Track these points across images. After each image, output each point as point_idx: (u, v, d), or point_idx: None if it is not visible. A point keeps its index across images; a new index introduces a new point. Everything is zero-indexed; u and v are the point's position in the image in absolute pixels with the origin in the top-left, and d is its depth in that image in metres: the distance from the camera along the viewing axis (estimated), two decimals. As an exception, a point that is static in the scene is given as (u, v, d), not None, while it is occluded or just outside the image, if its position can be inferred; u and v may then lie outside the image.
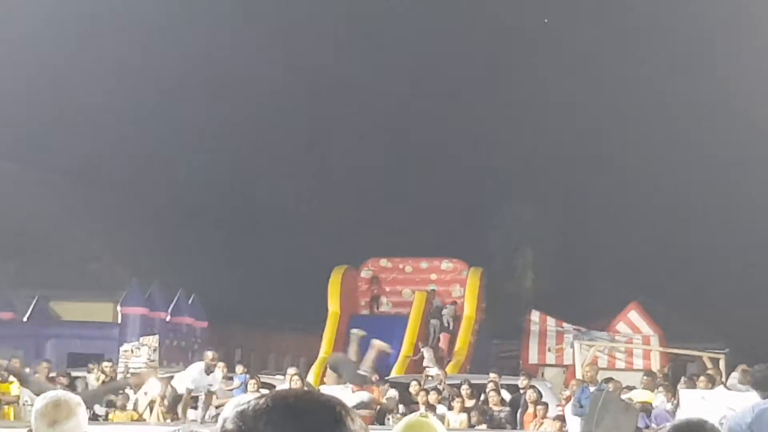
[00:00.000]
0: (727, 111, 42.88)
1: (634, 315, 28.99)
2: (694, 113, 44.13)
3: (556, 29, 46.98)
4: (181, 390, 17.78)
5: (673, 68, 45.58)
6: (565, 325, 29.27)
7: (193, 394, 17.88)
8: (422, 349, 26.92)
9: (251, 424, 1.87)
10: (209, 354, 18.29)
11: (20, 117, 39.11)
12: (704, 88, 43.62)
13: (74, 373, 20.62)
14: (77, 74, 41.87)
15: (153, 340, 19.65)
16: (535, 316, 29.76)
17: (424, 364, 26.34)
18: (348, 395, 17.20)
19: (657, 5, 45.98)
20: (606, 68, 46.20)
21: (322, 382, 19.20)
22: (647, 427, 16.21)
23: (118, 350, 22.14)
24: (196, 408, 18.09)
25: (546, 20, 46.61)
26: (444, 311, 28.99)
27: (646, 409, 16.72)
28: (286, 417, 1.86)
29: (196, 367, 18.14)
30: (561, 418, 18.00)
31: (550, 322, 29.45)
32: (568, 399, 18.38)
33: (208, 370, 17.83)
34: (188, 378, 17.85)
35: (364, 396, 18.22)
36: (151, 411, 17.87)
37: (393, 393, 19.59)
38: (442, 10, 47.80)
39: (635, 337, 28.44)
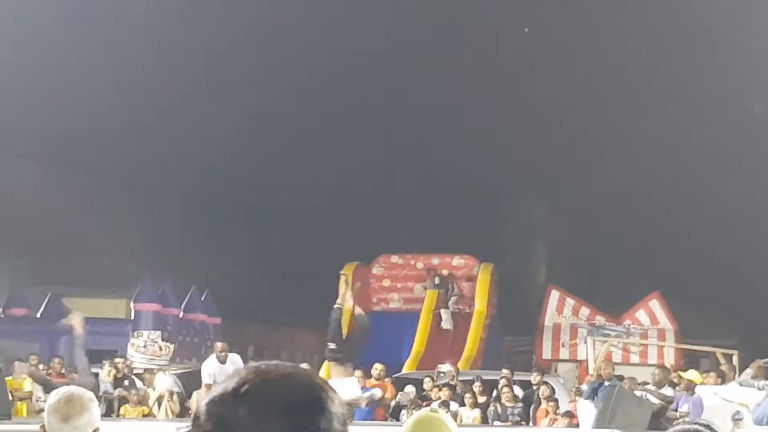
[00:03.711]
0: (745, 107, 42.77)
1: (655, 304, 29.05)
2: (713, 110, 44.01)
3: (569, 23, 46.83)
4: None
5: (690, 60, 45.42)
6: (582, 310, 29.32)
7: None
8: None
9: (230, 413, 1.75)
10: (218, 345, 18.12)
11: (33, 114, 39.20)
12: (726, 81, 43.52)
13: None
14: (90, 72, 41.94)
15: (155, 335, 19.72)
16: (554, 296, 29.81)
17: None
18: (357, 391, 17.13)
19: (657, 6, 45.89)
20: (622, 62, 46.06)
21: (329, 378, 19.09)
22: (676, 409, 16.19)
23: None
24: None
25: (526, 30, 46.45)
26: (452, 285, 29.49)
27: (690, 387, 16.67)
28: (268, 403, 1.74)
29: (209, 361, 17.95)
30: (571, 414, 17.98)
31: (569, 302, 29.52)
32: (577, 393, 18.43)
33: (221, 361, 17.60)
34: (204, 373, 17.64)
35: (376, 393, 18.17)
36: (159, 406, 17.90)
37: (410, 389, 19.61)
38: (448, 4, 47.77)
39: (652, 328, 28.49)
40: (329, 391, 1.81)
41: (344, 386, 16.34)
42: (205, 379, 17.39)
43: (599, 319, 29.37)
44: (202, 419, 1.78)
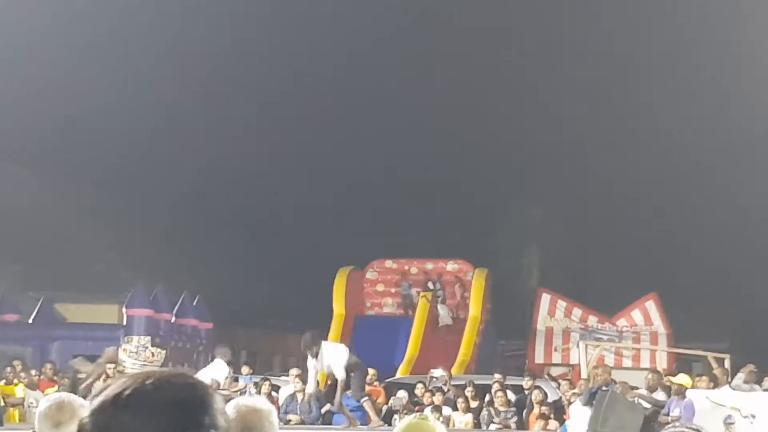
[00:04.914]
0: (738, 112, 42.81)
1: (651, 305, 29.03)
2: (704, 114, 44.04)
3: (562, 28, 46.91)
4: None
5: (684, 60, 45.48)
6: (574, 311, 29.30)
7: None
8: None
9: (113, 420, 1.78)
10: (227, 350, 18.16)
11: (25, 119, 39.14)
12: (719, 83, 43.55)
13: (80, 375, 20.59)
14: (82, 76, 41.89)
15: (145, 340, 19.71)
16: (545, 299, 29.79)
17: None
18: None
19: (659, 4, 45.91)
20: (612, 64, 46.13)
21: (326, 383, 18.96)
22: (668, 414, 16.17)
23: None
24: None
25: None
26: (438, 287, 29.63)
27: (681, 392, 16.63)
28: (152, 406, 1.78)
29: (219, 364, 17.99)
30: (563, 419, 17.98)
31: (561, 304, 29.50)
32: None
33: (228, 364, 17.80)
34: (216, 373, 17.65)
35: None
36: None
37: (402, 394, 19.59)
38: (444, 7, 47.80)
39: (645, 329, 28.49)
40: (210, 390, 1.86)
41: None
42: (218, 377, 17.47)
43: (592, 320, 29.34)
44: (85, 420, 1.81)
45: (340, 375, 16.46)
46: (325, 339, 19.99)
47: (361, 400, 16.91)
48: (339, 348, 17.54)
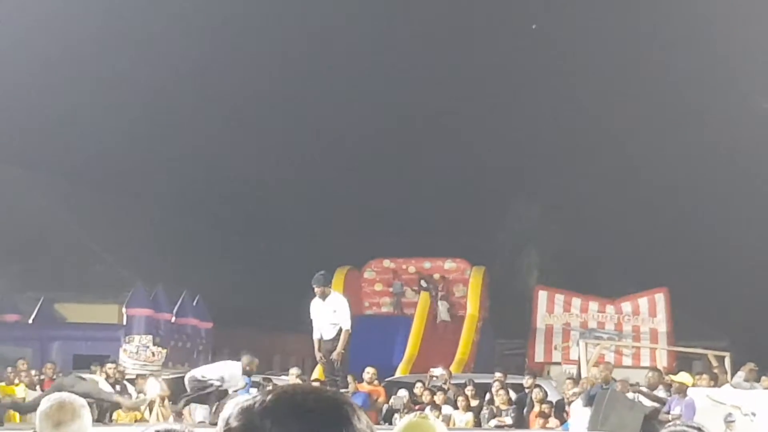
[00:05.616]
0: (744, 112, 42.82)
1: (660, 298, 28.99)
2: (707, 114, 44.02)
3: (559, 28, 46.91)
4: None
5: (680, 60, 45.46)
6: (573, 302, 29.27)
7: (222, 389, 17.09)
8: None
9: (258, 423, 1.83)
10: (252, 359, 17.45)
11: (23, 120, 39.13)
12: (717, 82, 43.54)
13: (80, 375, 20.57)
14: (78, 76, 41.88)
15: (147, 339, 19.72)
16: (542, 296, 29.79)
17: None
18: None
19: (659, 4, 45.92)
20: (610, 63, 46.12)
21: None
22: (668, 412, 16.16)
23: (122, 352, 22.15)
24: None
25: (534, 26, 46.65)
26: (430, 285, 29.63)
27: (682, 390, 16.61)
28: (294, 415, 1.83)
29: (235, 366, 17.37)
30: (564, 417, 17.99)
31: (558, 299, 29.48)
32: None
33: (246, 374, 17.31)
34: (223, 372, 17.07)
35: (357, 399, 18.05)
36: (150, 411, 17.89)
37: (403, 393, 19.61)
38: (444, 7, 47.81)
39: (648, 320, 28.48)
40: (357, 410, 1.89)
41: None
42: (216, 378, 16.85)
43: (592, 308, 29.26)
44: (232, 421, 1.88)
45: (346, 325, 16.07)
46: None
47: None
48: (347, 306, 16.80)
